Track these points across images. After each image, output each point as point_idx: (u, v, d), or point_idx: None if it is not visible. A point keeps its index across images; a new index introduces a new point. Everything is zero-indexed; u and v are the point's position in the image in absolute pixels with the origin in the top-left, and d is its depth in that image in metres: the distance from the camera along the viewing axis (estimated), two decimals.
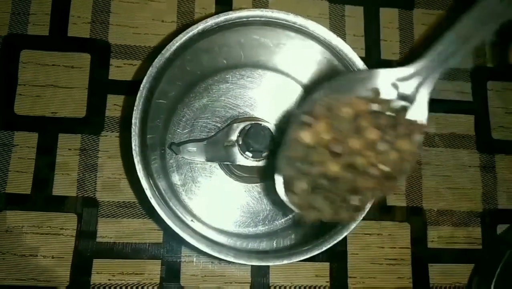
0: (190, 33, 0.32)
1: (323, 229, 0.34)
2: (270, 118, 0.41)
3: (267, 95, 0.43)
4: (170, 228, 0.31)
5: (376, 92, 0.22)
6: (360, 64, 0.33)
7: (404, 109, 0.22)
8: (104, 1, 0.45)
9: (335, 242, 0.32)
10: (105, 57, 0.44)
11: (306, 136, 0.21)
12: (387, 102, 0.22)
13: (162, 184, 0.37)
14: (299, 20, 0.33)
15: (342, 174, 0.21)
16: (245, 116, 0.42)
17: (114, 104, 0.43)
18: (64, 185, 0.42)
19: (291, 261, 0.32)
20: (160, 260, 0.41)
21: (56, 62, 0.44)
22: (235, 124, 0.38)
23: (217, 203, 0.42)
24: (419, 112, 0.22)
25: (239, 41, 0.37)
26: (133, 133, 0.32)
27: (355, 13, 0.48)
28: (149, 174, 0.32)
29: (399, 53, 0.47)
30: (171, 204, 0.35)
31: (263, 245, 0.39)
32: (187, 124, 0.42)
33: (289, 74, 0.43)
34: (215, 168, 0.42)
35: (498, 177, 0.47)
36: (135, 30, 0.45)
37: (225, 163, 0.40)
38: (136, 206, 0.42)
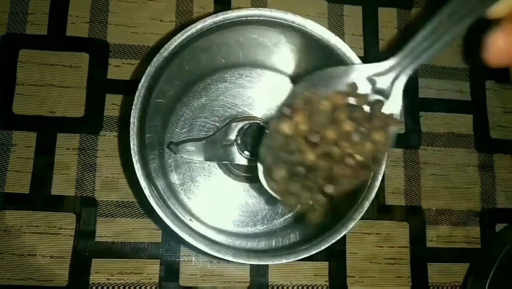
0: (189, 33, 0.32)
1: (322, 228, 0.34)
2: (268, 117, 0.41)
3: (265, 95, 0.43)
4: (169, 227, 0.31)
5: (354, 87, 0.24)
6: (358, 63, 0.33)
7: (380, 103, 0.23)
8: (102, 1, 0.45)
9: (334, 241, 0.32)
10: (104, 56, 0.44)
11: (285, 127, 0.23)
12: (364, 96, 0.23)
13: (160, 183, 0.37)
14: (298, 20, 0.33)
15: (318, 162, 0.23)
16: (243, 115, 0.42)
17: (112, 103, 0.43)
18: (62, 184, 0.42)
19: (289, 260, 0.32)
20: (159, 260, 0.41)
21: (55, 61, 0.44)
22: (233, 124, 0.38)
23: (216, 202, 0.42)
24: (393, 105, 0.24)
25: (238, 40, 0.37)
26: (131, 132, 0.32)
27: (353, 13, 0.48)
28: (147, 173, 0.32)
29: None
30: (169, 203, 0.35)
31: (262, 244, 0.39)
32: (186, 124, 0.42)
33: (287, 73, 0.43)
34: (214, 167, 0.42)
35: (496, 176, 0.47)
36: (134, 30, 0.45)
37: (223, 162, 0.40)
38: (135, 205, 0.42)
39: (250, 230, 0.41)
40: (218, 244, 0.32)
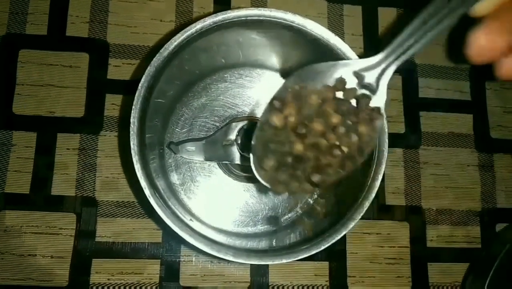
0: (189, 32, 0.32)
1: (322, 228, 0.34)
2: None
3: (265, 95, 0.42)
4: (169, 227, 0.31)
5: (342, 81, 0.25)
6: None
7: (367, 97, 0.25)
8: (102, 1, 0.45)
9: (334, 241, 0.32)
10: (104, 56, 0.44)
11: (275, 119, 0.24)
12: (351, 90, 0.25)
13: (161, 183, 0.37)
14: (297, 19, 0.33)
15: (306, 153, 0.24)
16: (243, 115, 0.42)
17: (112, 103, 0.43)
18: (63, 184, 0.42)
19: (290, 260, 0.32)
20: (159, 260, 0.41)
21: (55, 61, 0.44)
22: (233, 124, 0.38)
23: (216, 202, 0.42)
24: (379, 99, 0.25)
25: (238, 40, 0.37)
26: (131, 132, 0.32)
27: (353, 13, 0.48)
28: (148, 173, 0.32)
29: None
30: (170, 203, 0.35)
31: (262, 244, 0.39)
32: (186, 124, 0.42)
33: (287, 73, 0.43)
34: (214, 167, 0.42)
35: (496, 176, 0.47)
36: (134, 30, 0.45)
37: (224, 162, 0.40)
38: (135, 205, 0.42)
39: (250, 230, 0.41)
40: (218, 244, 0.32)
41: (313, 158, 0.24)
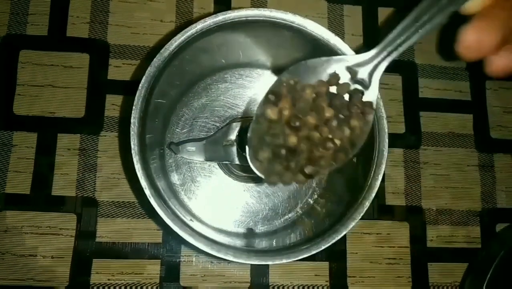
0: (189, 33, 0.32)
1: (322, 228, 0.34)
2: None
3: None
4: (169, 227, 0.31)
5: (336, 77, 0.25)
6: None
7: (360, 92, 0.25)
8: (102, 1, 0.45)
9: (334, 241, 0.32)
10: (104, 57, 0.44)
11: (270, 112, 0.25)
12: (344, 85, 0.25)
13: (161, 184, 0.37)
14: (298, 20, 0.33)
15: (300, 145, 0.25)
16: (244, 115, 0.42)
17: (113, 104, 0.43)
18: (63, 185, 0.42)
19: (290, 260, 0.32)
20: (160, 260, 0.41)
21: (55, 62, 0.44)
22: (234, 124, 0.38)
23: (216, 203, 0.42)
24: (371, 94, 0.26)
25: (238, 40, 0.37)
26: (132, 133, 0.32)
27: (353, 13, 0.48)
28: (148, 174, 0.32)
29: None
30: (170, 203, 0.35)
31: (262, 244, 0.39)
32: (186, 124, 0.42)
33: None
34: (214, 167, 0.42)
35: (497, 176, 0.47)
36: (134, 30, 0.45)
37: (224, 162, 0.40)
38: (136, 205, 0.42)
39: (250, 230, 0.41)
40: (218, 244, 0.32)
41: (306, 150, 0.25)
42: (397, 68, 0.47)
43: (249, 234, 0.41)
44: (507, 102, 0.49)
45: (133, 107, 0.32)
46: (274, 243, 0.39)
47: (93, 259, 0.41)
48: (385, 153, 0.32)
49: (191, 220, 0.38)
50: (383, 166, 0.32)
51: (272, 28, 0.34)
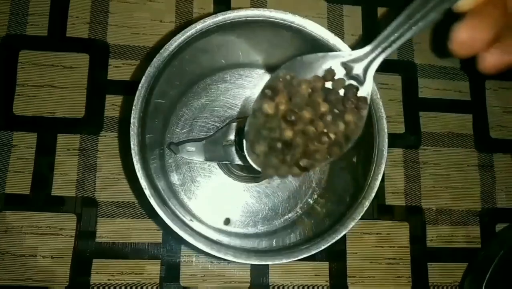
0: (188, 33, 0.32)
1: (322, 228, 0.34)
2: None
3: None
4: (169, 227, 0.31)
5: (331, 72, 0.26)
6: None
7: (355, 87, 0.26)
8: (102, 2, 0.45)
9: (334, 241, 0.32)
10: (104, 57, 0.44)
11: (267, 107, 0.25)
12: (339, 81, 0.26)
13: (161, 184, 0.37)
14: (297, 20, 0.33)
15: (295, 139, 0.25)
16: (243, 116, 0.42)
17: (112, 104, 0.43)
18: (63, 185, 0.42)
19: (290, 260, 0.32)
20: (160, 260, 0.41)
21: (55, 62, 0.44)
22: (233, 124, 0.38)
23: (216, 203, 0.42)
24: (365, 90, 0.26)
25: (238, 40, 0.37)
26: (131, 133, 0.32)
27: (353, 13, 0.48)
28: (148, 174, 0.32)
29: (397, 52, 0.47)
30: (170, 203, 0.35)
31: (263, 244, 0.39)
32: (186, 124, 0.42)
33: None
34: (214, 167, 0.42)
35: (496, 176, 0.47)
36: (134, 30, 0.45)
37: (224, 162, 0.40)
38: (135, 206, 0.42)
39: (250, 230, 0.41)
40: (218, 244, 0.32)
41: (302, 144, 0.25)
42: (396, 68, 0.47)
43: (249, 233, 0.41)
44: (507, 102, 0.49)
45: (133, 107, 0.32)
46: (274, 243, 0.39)
47: (93, 259, 0.41)
48: (385, 153, 0.32)
49: (191, 220, 0.38)
50: (383, 166, 0.32)
51: (271, 28, 0.34)
